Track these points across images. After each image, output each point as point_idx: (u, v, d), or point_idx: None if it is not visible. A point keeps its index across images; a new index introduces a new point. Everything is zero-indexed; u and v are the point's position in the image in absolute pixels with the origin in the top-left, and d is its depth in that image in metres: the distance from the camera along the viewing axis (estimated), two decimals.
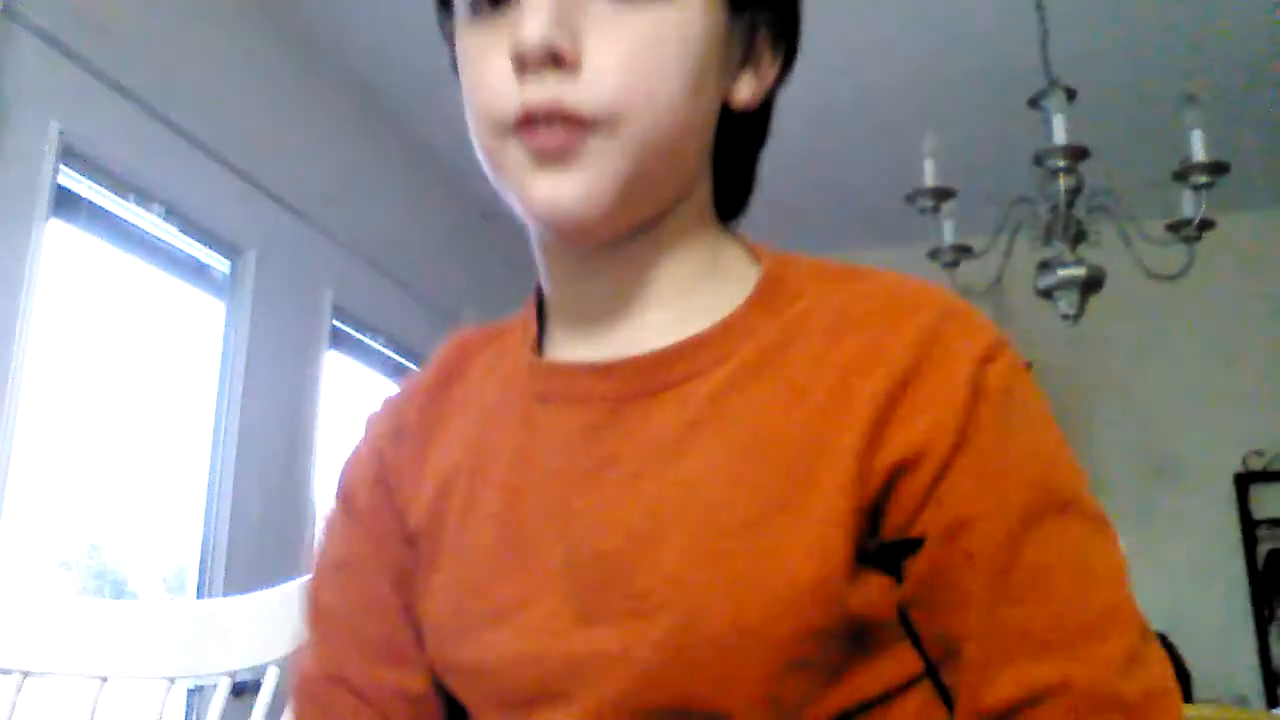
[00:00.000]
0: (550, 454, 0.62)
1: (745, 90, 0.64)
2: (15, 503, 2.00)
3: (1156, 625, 0.60)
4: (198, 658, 0.93)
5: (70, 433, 2.26)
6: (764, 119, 0.68)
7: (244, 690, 0.95)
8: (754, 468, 0.56)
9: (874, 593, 0.55)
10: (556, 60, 0.56)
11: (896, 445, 0.54)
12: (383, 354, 3.22)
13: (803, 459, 0.56)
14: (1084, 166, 2.31)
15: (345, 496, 0.70)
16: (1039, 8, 2.43)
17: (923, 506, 0.54)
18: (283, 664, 0.90)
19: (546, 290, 0.67)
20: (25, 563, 2.15)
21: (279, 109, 2.74)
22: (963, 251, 2.51)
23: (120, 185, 2.27)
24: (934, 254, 2.52)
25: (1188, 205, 2.36)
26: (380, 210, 3.15)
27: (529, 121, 0.56)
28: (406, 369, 3.29)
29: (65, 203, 2.15)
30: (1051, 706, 0.51)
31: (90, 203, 2.24)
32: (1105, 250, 2.38)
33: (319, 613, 0.68)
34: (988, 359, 0.56)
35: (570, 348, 0.65)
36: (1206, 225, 2.31)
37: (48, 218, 2.06)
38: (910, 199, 2.40)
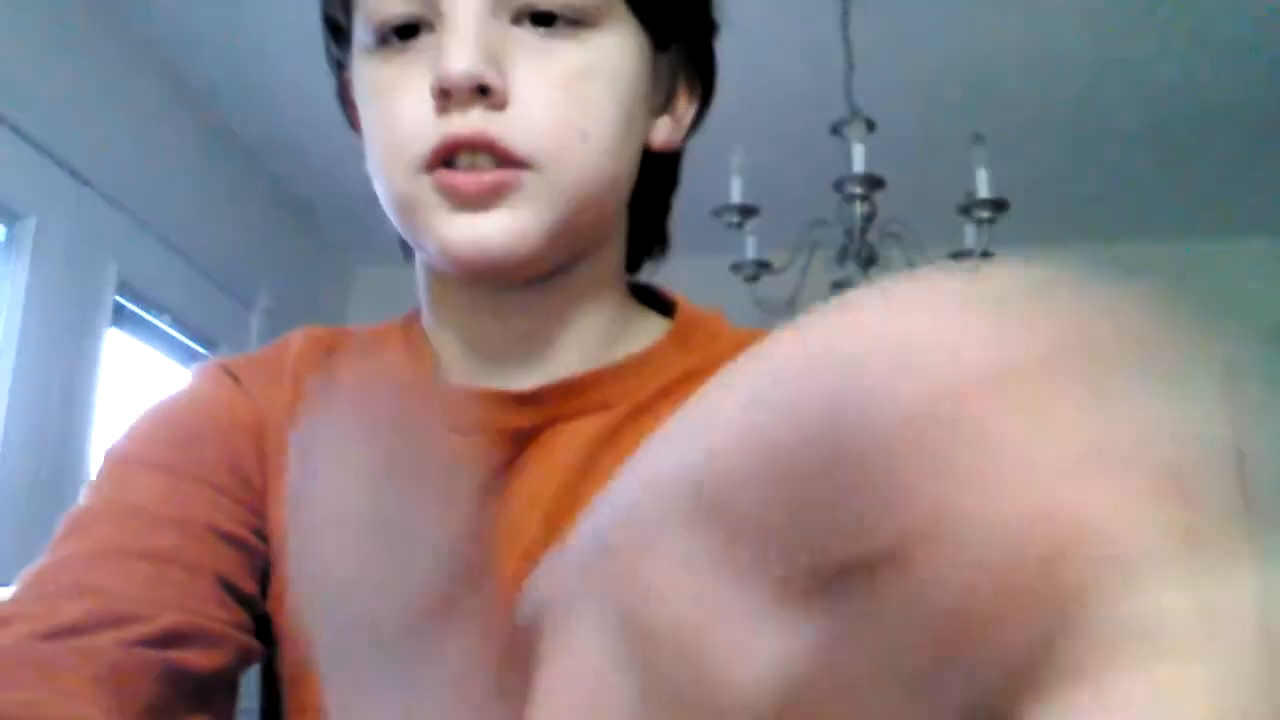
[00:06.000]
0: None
1: (663, 133, 0.62)
2: None
3: None
4: None
5: None
6: (676, 164, 0.66)
7: None
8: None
9: None
10: (483, 93, 0.52)
11: None
12: (169, 335, 3.07)
13: None
14: (880, 195, 2.43)
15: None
16: (845, 41, 2.53)
17: None
18: None
19: (432, 322, 0.63)
20: None
21: (71, 72, 2.58)
22: (763, 267, 2.60)
23: None
24: (736, 267, 2.60)
25: (970, 237, 2.51)
26: (176, 187, 3.00)
27: (448, 156, 0.53)
28: (195, 353, 3.15)
29: None
30: None
31: None
32: (895, 275, 2.50)
33: None
34: None
35: (473, 379, 0.61)
36: (987, 256, 2.46)
37: None
38: (717, 213, 2.47)
